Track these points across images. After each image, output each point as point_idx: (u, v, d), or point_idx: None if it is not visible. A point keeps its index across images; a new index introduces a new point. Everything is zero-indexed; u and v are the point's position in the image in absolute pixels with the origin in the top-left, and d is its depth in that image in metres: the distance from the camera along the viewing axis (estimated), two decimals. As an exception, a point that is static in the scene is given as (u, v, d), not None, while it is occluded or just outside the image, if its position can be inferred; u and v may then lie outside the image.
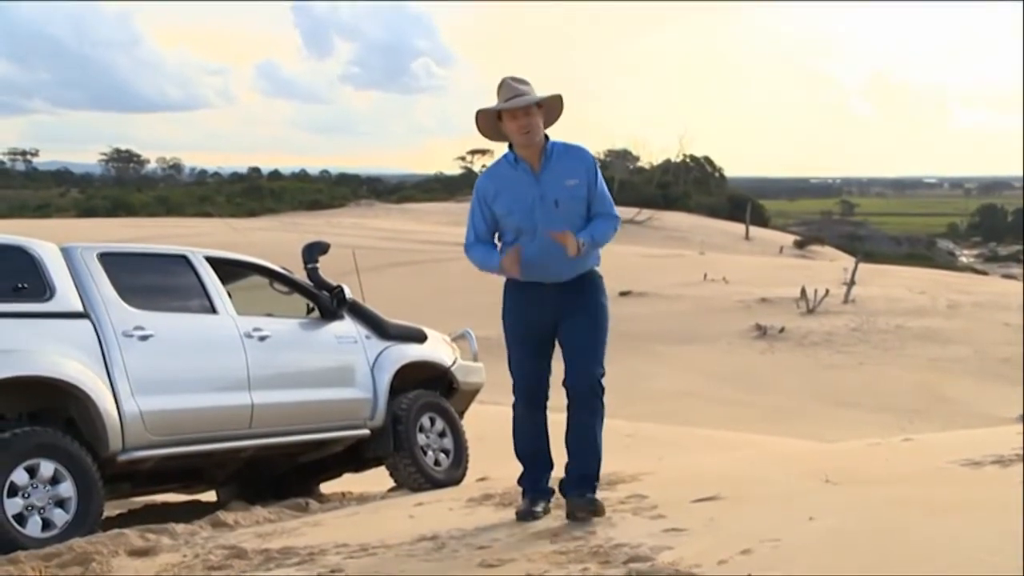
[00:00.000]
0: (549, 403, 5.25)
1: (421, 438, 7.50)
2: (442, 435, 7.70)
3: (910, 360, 25.37)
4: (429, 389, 7.80)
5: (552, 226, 5.00)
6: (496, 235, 5.24)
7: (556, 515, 5.06)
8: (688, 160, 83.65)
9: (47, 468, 5.59)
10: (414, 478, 7.35)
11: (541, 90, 5.13)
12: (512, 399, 5.28)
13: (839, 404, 21.22)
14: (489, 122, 5.14)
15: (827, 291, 30.80)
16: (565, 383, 5.09)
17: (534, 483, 5.24)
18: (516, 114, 5.00)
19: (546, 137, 5.12)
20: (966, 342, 26.91)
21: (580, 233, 5.03)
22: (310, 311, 7.40)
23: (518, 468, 5.33)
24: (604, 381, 5.13)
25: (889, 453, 6.69)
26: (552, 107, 5.14)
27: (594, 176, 5.16)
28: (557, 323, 5.13)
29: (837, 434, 14.81)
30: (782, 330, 27.76)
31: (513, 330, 5.23)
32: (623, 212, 5.22)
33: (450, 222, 59.24)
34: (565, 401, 5.13)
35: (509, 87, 5.06)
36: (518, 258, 5.02)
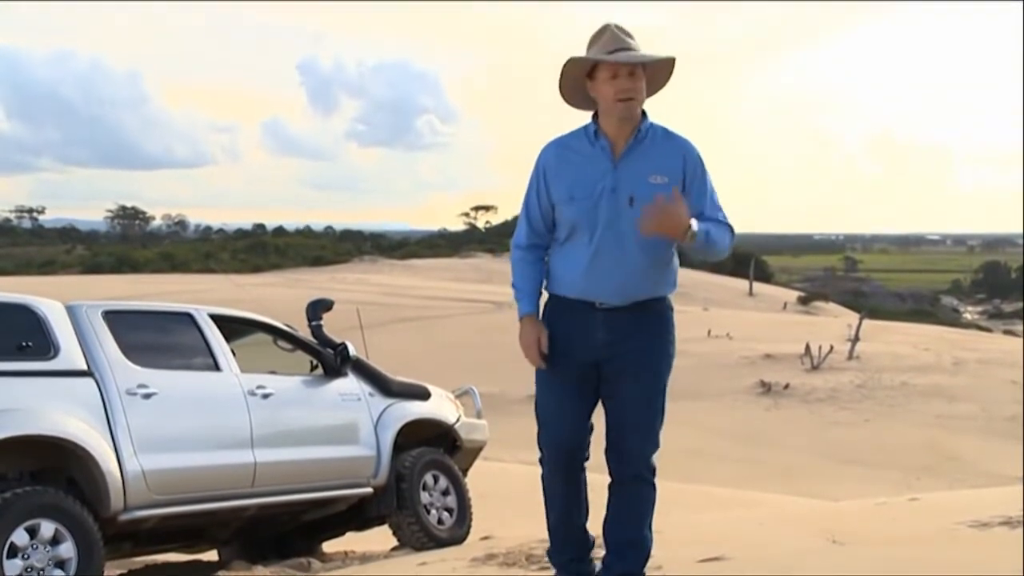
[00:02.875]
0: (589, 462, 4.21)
1: (424, 496, 7.46)
2: (446, 493, 7.65)
3: (916, 417, 25.26)
4: (433, 447, 7.76)
5: (619, 232, 3.87)
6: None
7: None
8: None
9: (48, 528, 5.55)
10: (417, 537, 7.29)
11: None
12: (537, 453, 4.23)
13: (844, 461, 21.09)
14: (576, 79, 3.97)
15: (831, 347, 30.75)
16: (607, 455, 4.05)
17: (564, 566, 4.23)
18: (619, 72, 3.85)
19: (643, 113, 3.98)
20: (972, 399, 26.79)
21: (695, 224, 3.84)
22: (314, 368, 7.39)
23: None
24: (656, 457, 4.04)
25: (896, 513, 6.64)
26: (658, 73, 3.98)
27: (700, 178, 3.97)
28: (602, 366, 3.98)
29: (843, 492, 14.71)
30: (787, 387, 27.68)
31: (549, 363, 4.03)
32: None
33: (454, 278, 59.38)
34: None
35: (614, 36, 3.89)
36: (539, 344, 3.95)
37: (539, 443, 4.14)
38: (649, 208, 3.77)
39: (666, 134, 3.98)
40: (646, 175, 3.89)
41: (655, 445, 4.00)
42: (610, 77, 3.86)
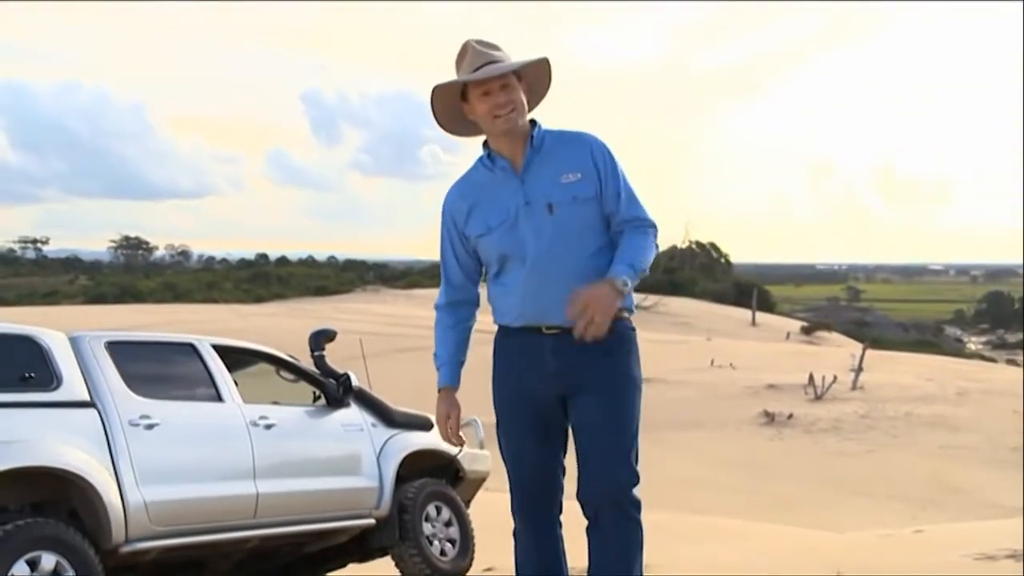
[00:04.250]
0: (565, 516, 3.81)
1: (427, 527, 7.43)
2: (448, 524, 7.62)
3: (920, 448, 25.15)
4: (435, 478, 7.74)
5: (548, 242, 3.56)
6: (482, 274, 3.83)
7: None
8: (694, 246, 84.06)
9: (48, 561, 5.52)
10: (420, 568, 7.26)
11: None
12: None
13: (848, 492, 20.98)
14: (451, 107, 3.68)
15: (835, 377, 30.67)
16: (578, 495, 3.59)
17: None
18: (489, 88, 3.56)
19: (532, 122, 3.69)
20: (976, 430, 26.69)
21: (611, 268, 3.53)
22: (316, 399, 7.38)
23: None
24: (637, 491, 3.58)
25: (901, 545, 6.60)
26: (536, 78, 3.68)
27: (609, 166, 3.64)
28: (565, 400, 3.62)
29: (847, 523, 14.63)
30: (790, 417, 27.58)
31: (502, 403, 3.75)
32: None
33: (457, 308, 59.36)
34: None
35: (477, 52, 3.58)
36: (448, 422, 3.80)
37: (510, 497, 3.80)
38: (571, 311, 3.43)
39: (562, 134, 3.70)
40: (557, 177, 3.60)
41: (630, 474, 3.53)
42: (482, 95, 3.57)
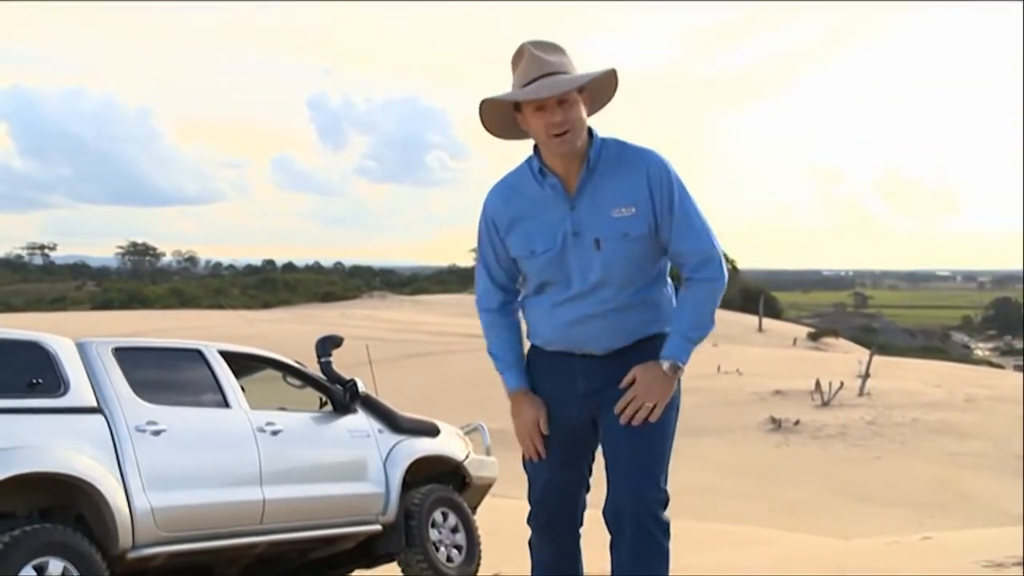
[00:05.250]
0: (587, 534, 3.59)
1: (433, 533, 7.42)
2: (455, 530, 7.62)
3: (927, 454, 25.10)
4: (442, 483, 7.74)
5: (594, 277, 3.30)
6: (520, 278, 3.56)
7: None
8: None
9: (56, 566, 5.52)
10: (426, 574, 7.25)
11: None
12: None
13: (855, 498, 20.95)
14: (502, 116, 3.36)
15: (842, 384, 30.65)
16: (603, 512, 3.35)
17: None
18: (545, 102, 3.21)
19: (590, 133, 3.33)
20: (984, 436, 26.64)
21: (667, 343, 3.31)
22: (323, 405, 7.39)
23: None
24: (665, 513, 3.32)
25: (908, 552, 6.58)
26: (599, 88, 3.31)
27: (666, 197, 3.28)
28: (596, 418, 3.39)
29: (854, 529, 14.60)
30: (797, 423, 27.56)
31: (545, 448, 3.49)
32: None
33: (463, 314, 59.34)
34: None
35: (533, 60, 3.23)
36: (538, 427, 3.40)
37: (529, 510, 3.61)
38: (622, 407, 3.26)
39: (621, 151, 3.32)
40: (608, 210, 3.27)
41: (658, 492, 3.28)
42: (536, 109, 3.22)
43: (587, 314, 3.33)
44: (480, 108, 3.34)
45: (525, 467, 3.55)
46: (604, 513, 3.33)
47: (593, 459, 3.49)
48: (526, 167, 3.39)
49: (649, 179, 3.27)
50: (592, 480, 3.55)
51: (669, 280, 3.52)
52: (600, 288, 3.32)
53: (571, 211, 3.30)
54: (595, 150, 3.30)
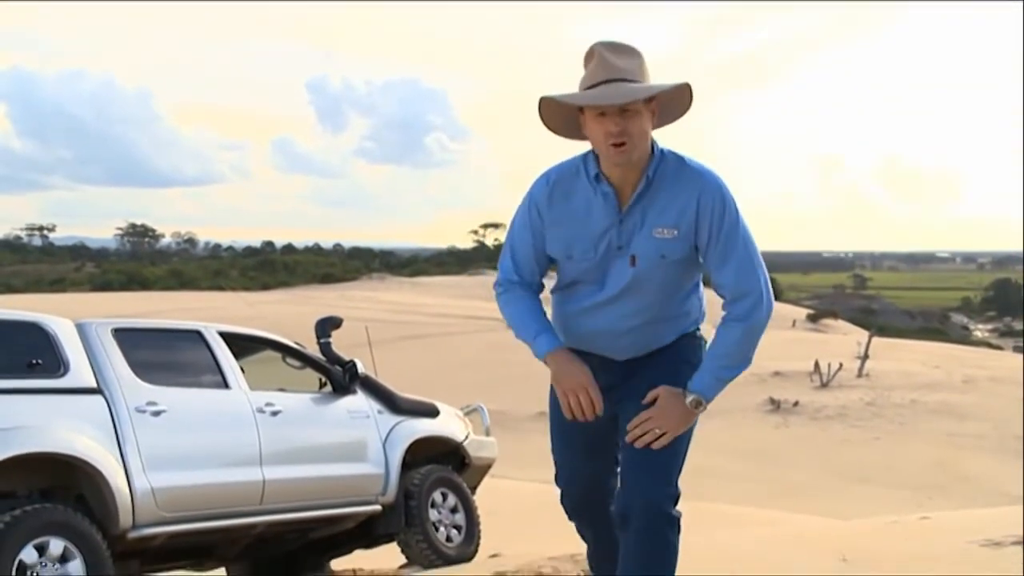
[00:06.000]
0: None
1: (433, 514, 7.44)
2: (454, 511, 7.64)
3: (926, 435, 25.17)
4: (441, 464, 7.75)
5: (624, 290, 3.22)
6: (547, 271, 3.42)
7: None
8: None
9: (56, 546, 5.54)
10: (426, 555, 7.28)
11: None
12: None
13: (854, 480, 21.02)
14: (564, 114, 3.20)
15: (840, 365, 30.70)
16: (615, 503, 3.30)
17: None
18: (607, 109, 3.07)
19: (653, 146, 3.19)
20: (983, 417, 26.70)
21: (695, 376, 3.21)
22: (322, 386, 7.39)
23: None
24: (675, 509, 3.24)
25: (907, 532, 6.60)
26: (670, 99, 3.16)
27: (715, 225, 3.16)
28: (616, 410, 3.33)
29: (853, 510, 14.64)
30: (796, 404, 27.63)
31: (555, 415, 3.42)
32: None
33: (462, 296, 59.42)
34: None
35: (601, 63, 3.09)
36: (589, 384, 3.19)
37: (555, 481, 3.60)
38: (635, 425, 3.17)
39: (679, 168, 3.18)
40: (652, 228, 3.16)
41: (669, 487, 3.20)
42: (598, 115, 3.08)
43: (613, 326, 3.27)
44: (540, 105, 3.19)
45: (553, 451, 3.51)
46: (614, 505, 3.27)
47: (618, 447, 3.39)
48: (581, 165, 3.24)
49: (699, 204, 3.15)
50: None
51: (702, 286, 3.44)
52: (629, 301, 3.25)
53: (619, 224, 3.19)
54: (654, 165, 3.17)
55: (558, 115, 3.21)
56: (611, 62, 3.08)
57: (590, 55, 3.13)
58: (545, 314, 3.36)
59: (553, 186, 3.26)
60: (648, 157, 3.16)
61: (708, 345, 3.31)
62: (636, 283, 3.21)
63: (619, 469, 3.34)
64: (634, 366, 3.32)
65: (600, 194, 3.18)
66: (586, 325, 3.30)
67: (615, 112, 3.05)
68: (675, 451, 3.21)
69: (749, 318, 3.22)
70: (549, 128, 3.24)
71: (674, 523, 3.19)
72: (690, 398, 3.17)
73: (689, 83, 3.12)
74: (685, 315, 3.38)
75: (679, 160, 3.19)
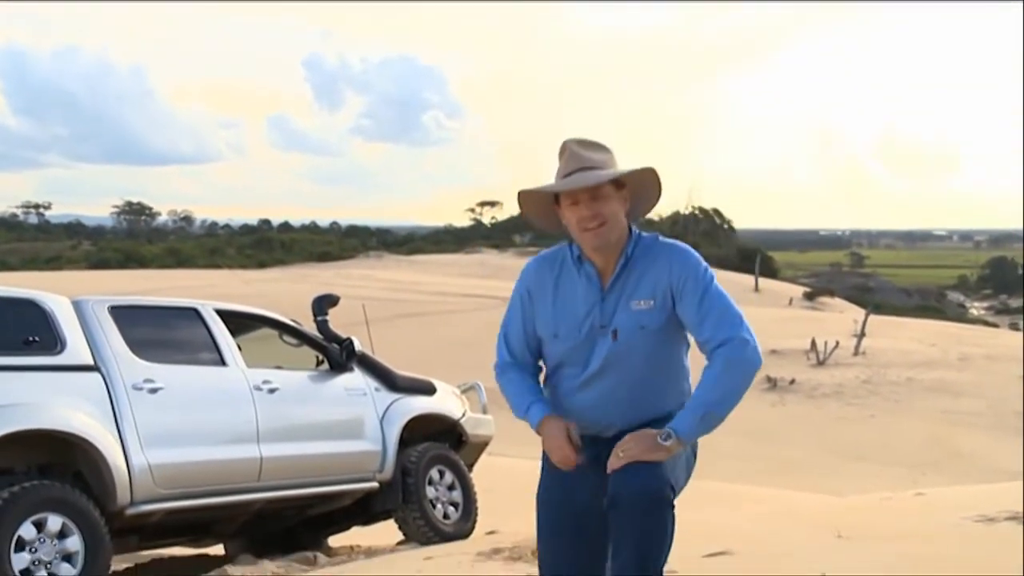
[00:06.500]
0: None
1: (430, 491, 7.47)
2: (451, 488, 7.66)
3: (921, 413, 25.23)
4: (438, 442, 7.77)
5: (607, 366, 3.32)
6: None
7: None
8: (697, 212, 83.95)
9: (55, 522, 5.56)
10: (423, 531, 7.30)
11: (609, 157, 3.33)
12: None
13: (850, 457, 21.08)
14: (544, 206, 3.41)
15: (837, 343, 30.72)
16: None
17: None
18: (577, 198, 3.27)
19: (630, 230, 3.38)
20: (978, 395, 26.76)
21: (676, 416, 3.23)
22: (320, 363, 7.40)
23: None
24: (669, 494, 3.21)
25: (902, 508, 6.63)
26: (641, 185, 3.37)
27: (688, 285, 3.30)
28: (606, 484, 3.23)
29: (848, 487, 14.69)
30: (792, 382, 27.65)
31: (546, 509, 3.43)
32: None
33: (459, 274, 59.37)
34: None
35: (571, 156, 3.31)
36: (569, 437, 3.29)
37: None
38: (613, 461, 3.18)
39: (652, 244, 3.36)
40: (629, 301, 3.31)
41: (664, 477, 3.17)
42: (571, 204, 3.28)
43: (602, 401, 3.33)
44: (519, 198, 3.41)
45: (539, 545, 3.47)
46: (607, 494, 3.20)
47: (608, 545, 3.25)
48: (567, 250, 3.42)
49: (671, 271, 3.30)
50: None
51: (689, 371, 3.49)
52: (613, 374, 3.33)
53: (601, 303, 3.34)
54: (632, 244, 3.35)
55: (538, 207, 3.41)
56: (581, 154, 3.29)
57: (563, 150, 3.33)
58: (541, 389, 3.45)
59: (541, 270, 3.44)
60: (626, 238, 3.35)
61: (693, 393, 3.32)
62: (618, 357, 3.32)
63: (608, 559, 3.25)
64: (617, 440, 3.26)
65: (584, 275, 3.36)
66: (576, 403, 3.37)
67: (587, 198, 3.25)
68: (670, 463, 3.21)
69: (731, 354, 3.26)
70: (530, 220, 3.46)
71: (669, 505, 3.15)
72: (662, 433, 3.18)
73: (654, 168, 3.33)
74: (679, 392, 3.42)
75: (653, 238, 3.39)
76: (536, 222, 3.46)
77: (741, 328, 3.30)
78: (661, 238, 3.39)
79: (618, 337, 3.30)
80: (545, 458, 3.41)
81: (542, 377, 3.51)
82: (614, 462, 3.18)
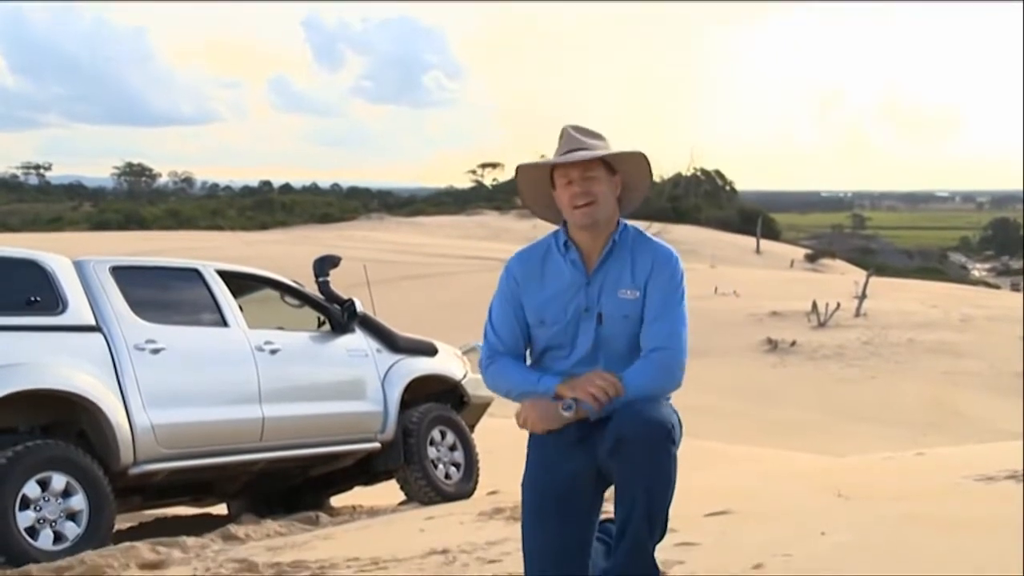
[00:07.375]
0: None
1: (432, 451, 7.50)
2: (453, 448, 7.70)
3: (922, 374, 25.28)
4: (440, 402, 7.80)
5: (592, 350, 3.43)
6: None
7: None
8: (699, 173, 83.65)
9: (59, 481, 5.60)
10: (425, 491, 7.34)
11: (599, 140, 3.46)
12: None
13: (851, 418, 21.14)
14: (541, 193, 3.54)
15: (838, 304, 30.73)
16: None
17: None
18: (571, 176, 3.39)
19: (619, 220, 3.51)
20: (979, 356, 26.80)
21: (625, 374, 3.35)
22: (321, 324, 7.41)
23: None
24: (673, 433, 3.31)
25: (902, 468, 6.66)
26: (632, 175, 3.49)
27: (659, 283, 3.42)
28: (599, 466, 3.34)
29: (849, 448, 14.75)
30: (793, 344, 27.70)
31: (531, 487, 3.44)
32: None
33: (460, 235, 59.33)
34: None
35: (568, 138, 3.44)
36: (552, 415, 3.35)
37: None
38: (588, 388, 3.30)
39: (639, 237, 3.50)
40: (616, 289, 3.42)
41: (667, 417, 3.29)
42: (565, 183, 3.40)
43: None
44: (517, 175, 3.55)
45: (523, 536, 3.45)
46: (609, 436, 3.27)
47: (596, 523, 3.39)
48: (552, 239, 3.54)
49: (653, 266, 3.45)
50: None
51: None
52: (599, 359, 3.43)
53: (586, 287, 3.46)
54: (621, 233, 3.49)
55: (535, 190, 3.54)
56: (577, 137, 3.44)
57: (561, 135, 3.47)
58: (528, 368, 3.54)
59: (527, 258, 3.56)
60: (614, 226, 3.49)
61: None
62: (604, 341, 3.44)
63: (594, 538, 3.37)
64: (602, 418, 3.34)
65: (569, 261, 3.48)
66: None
67: (579, 178, 3.39)
68: (667, 409, 3.35)
69: (664, 360, 3.37)
70: (526, 203, 3.61)
71: (673, 445, 3.26)
72: (566, 402, 3.32)
73: (643, 152, 3.46)
74: None
75: (640, 232, 3.54)
76: (532, 207, 3.59)
77: (681, 350, 3.41)
78: (649, 235, 3.54)
79: (603, 322, 3.43)
80: (530, 443, 3.49)
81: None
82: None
